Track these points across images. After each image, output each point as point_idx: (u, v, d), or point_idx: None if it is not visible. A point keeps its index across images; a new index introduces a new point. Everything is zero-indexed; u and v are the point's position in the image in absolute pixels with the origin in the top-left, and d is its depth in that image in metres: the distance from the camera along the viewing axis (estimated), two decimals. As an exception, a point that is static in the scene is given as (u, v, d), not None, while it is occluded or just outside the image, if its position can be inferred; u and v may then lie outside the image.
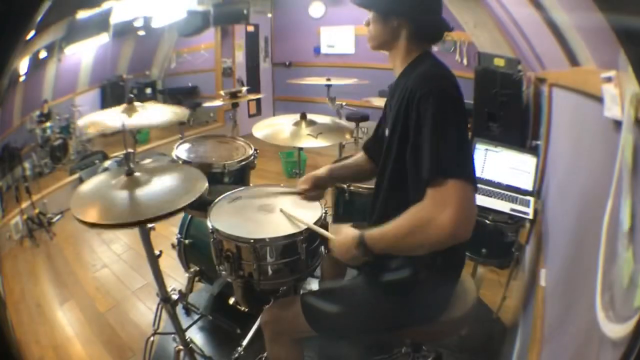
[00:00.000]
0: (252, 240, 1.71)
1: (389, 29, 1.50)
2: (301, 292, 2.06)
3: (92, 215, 1.56)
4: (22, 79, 3.58)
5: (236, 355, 2.18)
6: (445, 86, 1.33)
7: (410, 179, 1.34)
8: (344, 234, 1.48)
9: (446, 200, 1.18)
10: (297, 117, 2.62)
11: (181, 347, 2.10)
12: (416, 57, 1.48)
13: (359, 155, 1.98)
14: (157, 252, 1.89)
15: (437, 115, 1.26)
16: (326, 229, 1.85)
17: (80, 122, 2.35)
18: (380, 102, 3.16)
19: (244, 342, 2.21)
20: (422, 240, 1.25)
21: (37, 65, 4.01)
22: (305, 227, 1.74)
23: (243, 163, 2.47)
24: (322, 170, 1.98)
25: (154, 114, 2.46)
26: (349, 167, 2.02)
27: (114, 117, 2.31)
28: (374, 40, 1.57)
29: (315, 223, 1.78)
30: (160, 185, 1.75)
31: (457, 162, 1.24)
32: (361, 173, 1.99)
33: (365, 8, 1.56)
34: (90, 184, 1.78)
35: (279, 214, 1.93)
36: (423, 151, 1.26)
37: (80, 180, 4.22)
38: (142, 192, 1.68)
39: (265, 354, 1.85)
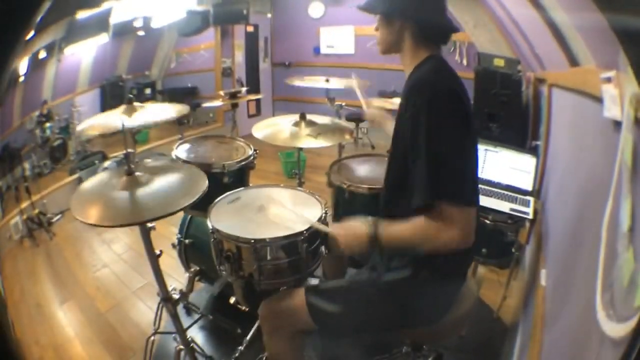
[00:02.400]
0: (252, 241, 1.72)
1: (393, 31, 1.51)
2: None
3: (93, 216, 1.56)
4: (21, 79, 3.58)
5: (237, 354, 2.19)
6: (437, 95, 1.33)
7: (415, 190, 1.35)
8: (351, 227, 1.52)
9: (451, 223, 1.28)
10: (296, 117, 2.62)
11: (182, 346, 2.10)
12: (422, 59, 1.47)
13: None
14: (157, 252, 1.89)
15: (434, 131, 1.29)
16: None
17: (80, 127, 2.34)
18: (380, 102, 3.16)
19: (245, 342, 2.21)
20: (430, 248, 1.36)
21: (36, 65, 4.01)
22: (307, 226, 1.75)
23: (242, 163, 2.47)
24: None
25: (154, 112, 2.46)
26: None
27: (114, 119, 2.31)
28: (381, 44, 1.57)
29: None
30: (160, 185, 1.75)
31: (457, 185, 1.30)
32: None
33: (369, 12, 1.57)
34: (90, 184, 1.78)
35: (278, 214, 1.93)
36: (423, 169, 1.30)
37: (80, 181, 4.23)
38: (142, 192, 1.68)
39: (265, 354, 1.85)
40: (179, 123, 5.49)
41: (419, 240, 1.36)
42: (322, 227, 1.73)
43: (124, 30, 5.09)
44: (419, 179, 1.31)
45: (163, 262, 1.92)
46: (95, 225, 1.52)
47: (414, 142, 1.33)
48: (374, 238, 1.43)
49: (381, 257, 1.58)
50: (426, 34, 1.47)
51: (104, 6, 4.53)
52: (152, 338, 2.30)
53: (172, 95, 6.38)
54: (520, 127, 3.44)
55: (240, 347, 2.19)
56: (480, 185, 1.59)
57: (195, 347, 2.17)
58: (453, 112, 1.33)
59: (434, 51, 1.48)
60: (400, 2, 1.49)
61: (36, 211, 3.41)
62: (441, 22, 1.50)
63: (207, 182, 1.73)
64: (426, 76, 1.42)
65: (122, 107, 2.39)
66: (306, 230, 1.75)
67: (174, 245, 2.65)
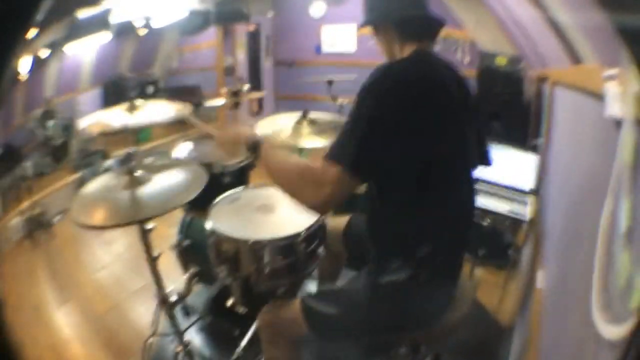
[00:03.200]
0: (250, 242, 1.71)
1: (383, 37, 1.55)
2: (300, 293, 2.06)
3: (94, 218, 1.57)
4: (24, 78, 3.59)
5: (235, 356, 2.18)
6: (380, 79, 1.34)
7: None
8: (240, 128, 1.62)
9: (325, 181, 1.29)
10: (298, 115, 2.61)
11: (180, 348, 2.10)
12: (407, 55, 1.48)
13: None
14: (156, 254, 1.88)
15: (356, 104, 1.33)
16: (324, 229, 1.86)
17: (83, 122, 2.33)
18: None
19: (243, 344, 2.20)
20: (289, 190, 1.42)
21: (39, 64, 4.03)
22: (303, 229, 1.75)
23: (244, 163, 2.46)
24: None
25: (156, 111, 2.44)
26: None
27: (117, 117, 2.30)
28: (383, 54, 1.59)
29: (314, 223, 1.79)
30: (161, 183, 1.75)
31: (346, 150, 1.30)
32: None
33: (362, 27, 1.61)
34: (91, 186, 1.78)
35: (278, 214, 1.93)
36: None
37: (81, 180, 4.23)
38: (143, 191, 1.68)
39: (264, 356, 1.85)
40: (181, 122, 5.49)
41: (291, 176, 1.43)
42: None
43: (126, 29, 5.08)
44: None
45: (162, 263, 1.92)
46: (97, 228, 1.53)
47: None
48: (253, 144, 1.52)
49: (377, 259, 1.57)
50: (408, 31, 1.48)
51: (106, 5, 4.53)
52: (150, 340, 2.29)
53: (174, 93, 6.36)
54: (522, 126, 3.42)
55: (238, 349, 2.19)
56: (479, 185, 1.58)
57: (193, 348, 2.17)
58: (394, 99, 1.31)
59: (420, 47, 1.48)
60: (378, 7, 1.55)
61: (37, 211, 3.42)
62: (421, 17, 1.51)
63: (206, 178, 1.73)
64: (387, 64, 1.43)
65: (125, 105, 2.37)
66: (305, 231, 1.75)
67: (172, 247, 2.64)
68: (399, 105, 1.31)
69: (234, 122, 1.59)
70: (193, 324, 2.61)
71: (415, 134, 1.31)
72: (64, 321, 2.78)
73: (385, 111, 1.30)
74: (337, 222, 2.01)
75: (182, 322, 2.43)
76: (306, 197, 1.36)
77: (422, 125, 1.32)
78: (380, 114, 1.29)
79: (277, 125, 2.61)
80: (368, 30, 1.60)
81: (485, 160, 1.72)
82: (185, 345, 2.09)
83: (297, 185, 1.40)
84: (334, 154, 1.31)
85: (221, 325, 2.54)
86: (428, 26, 1.52)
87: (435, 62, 1.48)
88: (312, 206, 1.36)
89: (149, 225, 1.83)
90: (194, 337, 2.54)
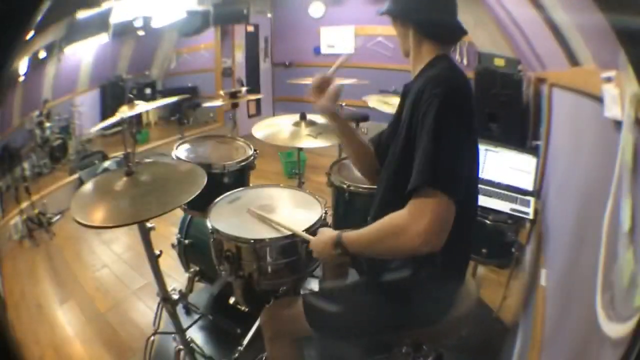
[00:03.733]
0: (252, 241, 1.72)
1: (401, 31, 1.54)
2: (302, 292, 2.06)
3: (94, 218, 1.56)
4: (21, 79, 3.57)
5: (236, 355, 2.18)
6: (451, 91, 1.33)
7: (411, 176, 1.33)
8: (322, 234, 1.54)
9: (424, 211, 1.20)
10: (296, 117, 2.62)
11: (181, 346, 2.10)
12: (431, 59, 1.48)
13: (368, 145, 1.84)
14: (157, 252, 1.88)
15: (435, 121, 1.26)
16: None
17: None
18: (378, 101, 3.18)
19: (244, 342, 2.21)
20: (392, 247, 1.29)
21: (36, 65, 4.00)
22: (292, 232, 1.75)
23: (243, 163, 2.47)
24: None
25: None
26: (358, 140, 1.83)
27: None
28: (399, 45, 1.59)
29: (315, 223, 1.79)
30: (160, 183, 1.75)
31: (445, 173, 1.23)
32: (361, 156, 1.84)
33: (384, 15, 1.59)
34: (90, 186, 1.78)
35: (278, 214, 1.93)
36: (417, 156, 1.28)
37: (80, 181, 4.22)
38: (142, 191, 1.68)
39: (265, 354, 1.85)
40: (179, 123, 5.50)
41: (382, 236, 1.31)
42: (303, 234, 1.73)
43: (124, 30, 5.06)
44: (416, 165, 1.27)
45: (163, 262, 1.92)
46: (97, 227, 1.52)
47: (422, 133, 1.30)
48: (338, 241, 1.42)
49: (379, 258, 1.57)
50: (428, 32, 1.48)
51: (104, 6, 4.52)
52: (152, 338, 2.30)
53: (172, 95, 6.33)
54: (521, 127, 3.43)
55: (239, 348, 2.19)
56: (480, 185, 1.58)
57: (195, 347, 2.17)
58: (463, 110, 1.33)
59: (440, 51, 1.49)
60: (402, 2, 1.53)
61: (36, 211, 3.40)
62: (444, 21, 1.50)
63: (206, 178, 1.73)
64: (444, 72, 1.41)
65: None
66: (305, 230, 1.75)
67: (173, 246, 2.65)
68: (470, 115, 1.35)
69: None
70: (195, 322, 2.61)
71: (473, 145, 1.38)
72: (66, 319, 2.77)
73: (464, 123, 1.32)
74: None
75: (184, 320, 2.43)
76: (408, 241, 1.21)
77: (474, 130, 1.38)
78: (460, 126, 1.31)
79: (275, 127, 2.62)
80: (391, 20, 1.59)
81: None
82: (187, 343, 2.09)
83: (392, 238, 1.27)
84: (424, 180, 1.22)
85: (223, 323, 2.55)
86: (447, 30, 1.52)
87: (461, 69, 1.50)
88: (420, 244, 1.19)
89: (150, 224, 1.83)
90: (196, 335, 2.54)
